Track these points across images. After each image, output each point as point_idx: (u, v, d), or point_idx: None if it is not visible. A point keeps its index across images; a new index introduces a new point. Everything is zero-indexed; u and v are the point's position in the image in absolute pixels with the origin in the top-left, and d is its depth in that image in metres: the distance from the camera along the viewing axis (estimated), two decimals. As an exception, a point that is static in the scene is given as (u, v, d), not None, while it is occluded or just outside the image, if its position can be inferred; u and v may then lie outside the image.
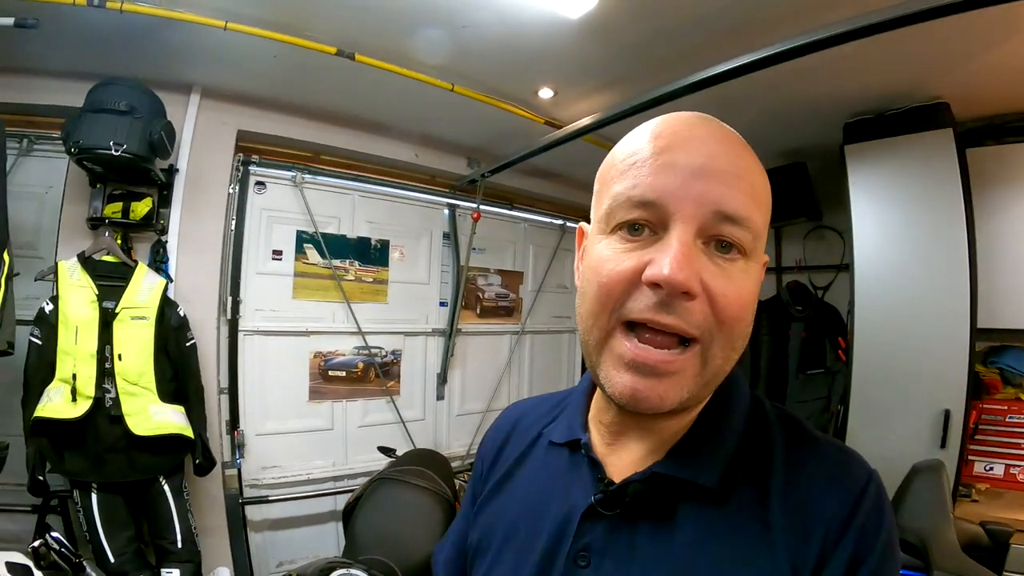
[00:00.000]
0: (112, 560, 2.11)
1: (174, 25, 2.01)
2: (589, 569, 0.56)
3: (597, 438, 0.62)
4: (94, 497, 2.12)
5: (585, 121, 2.34)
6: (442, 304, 3.52)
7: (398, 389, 3.35)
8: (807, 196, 3.17)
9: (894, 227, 2.48)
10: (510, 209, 3.90)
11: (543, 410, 0.73)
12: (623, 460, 0.59)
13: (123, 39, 2.12)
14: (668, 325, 0.50)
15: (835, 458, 0.56)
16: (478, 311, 3.73)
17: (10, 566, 1.41)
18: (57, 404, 2.03)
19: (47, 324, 2.10)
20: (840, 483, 0.53)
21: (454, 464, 3.16)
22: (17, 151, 2.44)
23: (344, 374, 3.14)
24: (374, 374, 3.23)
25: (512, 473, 0.70)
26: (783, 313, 3.25)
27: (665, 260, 0.48)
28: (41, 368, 2.08)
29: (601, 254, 0.53)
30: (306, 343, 3.04)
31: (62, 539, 1.44)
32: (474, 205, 3.33)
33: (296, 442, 3.01)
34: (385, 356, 3.28)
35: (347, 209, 3.19)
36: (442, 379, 3.51)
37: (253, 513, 2.88)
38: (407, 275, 3.38)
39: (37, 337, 2.10)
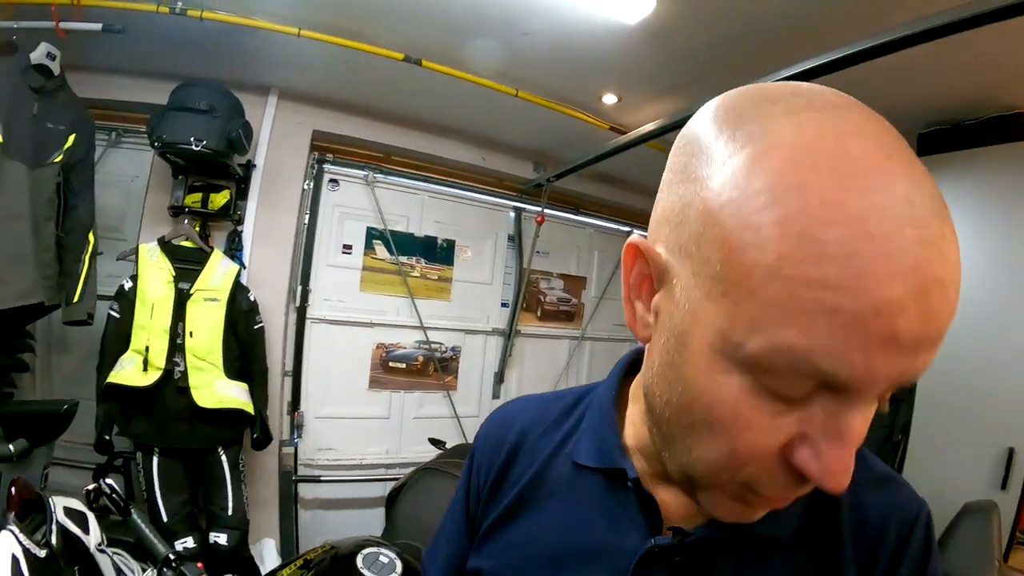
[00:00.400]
0: (165, 520, 2.22)
1: (252, 31, 2.15)
2: None
3: (641, 465, 0.52)
4: (155, 460, 2.27)
5: (649, 127, 2.32)
6: (504, 305, 3.55)
7: (455, 385, 3.41)
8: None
9: (969, 247, 2.26)
10: (575, 214, 3.89)
11: (551, 417, 0.63)
12: (678, 497, 0.50)
13: (204, 43, 2.29)
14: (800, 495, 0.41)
15: (889, 486, 0.51)
16: (539, 314, 3.74)
17: (68, 511, 1.54)
18: (129, 372, 2.18)
19: (126, 300, 2.27)
20: (893, 515, 0.49)
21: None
22: (106, 143, 2.69)
23: (404, 366, 3.24)
24: (433, 368, 3.31)
25: (531, 498, 0.59)
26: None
27: (832, 461, 0.35)
28: (117, 339, 2.25)
29: (724, 396, 0.37)
30: (370, 334, 3.17)
31: (114, 485, 1.56)
32: (539, 209, 3.34)
33: (353, 427, 3.14)
34: (445, 352, 3.35)
35: (416, 208, 3.29)
36: (499, 378, 3.54)
37: (305, 491, 3.03)
38: (471, 274, 3.44)
39: (115, 311, 2.28)
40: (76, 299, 2.15)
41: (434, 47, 2.24)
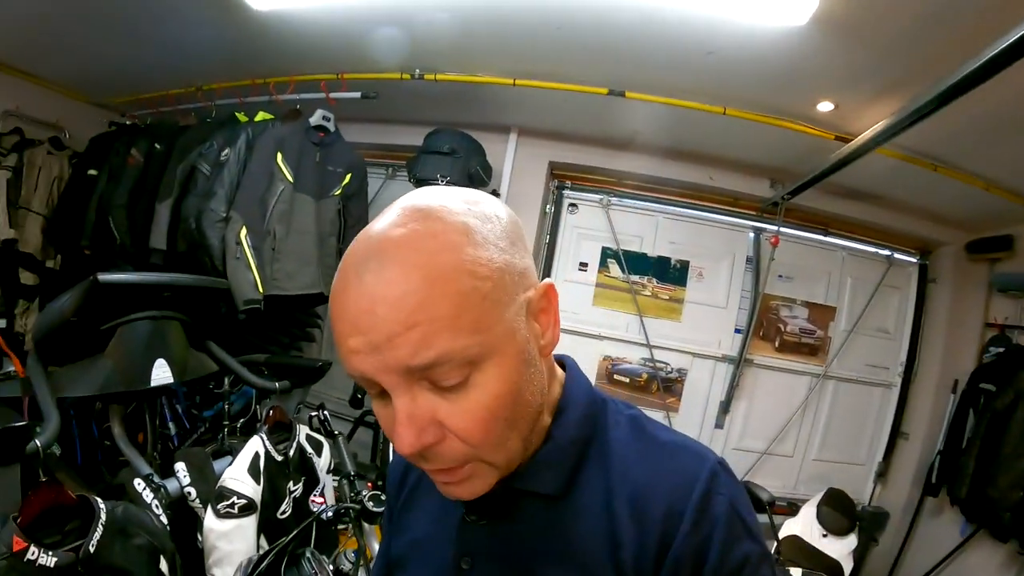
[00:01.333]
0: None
1: (482, 85, 2.58)
2: (473, 571, 0.63)
3: None
4: None
5: (869, 133, 2.07)
6: (737, 331, 3.41)
7: (677, 406, 3.38)
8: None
9: None
10: (824, 235, 3.53)
11: None
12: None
13: (448, 96, 2.80)
14: (433, 470, 0.55)
15: (673, 449, 0.60)
16: (777, 344, 3.49)
17: (308, 437, 2.03)
18: None
19: None
20: (678, 471, 0.57)
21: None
22: (384, 175, 3.45)
23: (628, 380, 3.34)
24: (656, 387, 3.34)
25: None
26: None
27: (396, 434, 0.51)
28: None
29: (377, 411, 0.57)
30: (598, 346, 3.35)
31: (327, 415, 2.06)
32: (782, 229, 3.13)
33: None
34: (670, 372, 3.35)
35: (650, 229, 3.37)
36: (724, 407, 3.40)
37: None
38: (704, 296, 3.39)
39: None
40: None
41: (638, 78, 2.41)
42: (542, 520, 0.60)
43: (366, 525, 1.58)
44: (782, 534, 2.80)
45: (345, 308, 0.51)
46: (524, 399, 0.55)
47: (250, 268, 2.38)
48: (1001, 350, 2.99)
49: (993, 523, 2.83)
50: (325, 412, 2.26)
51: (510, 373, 0.53)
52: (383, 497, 1.54)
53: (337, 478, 2.37)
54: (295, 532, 1.49)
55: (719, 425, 3.43)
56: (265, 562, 1.39)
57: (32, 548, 1.10)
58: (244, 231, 2.40)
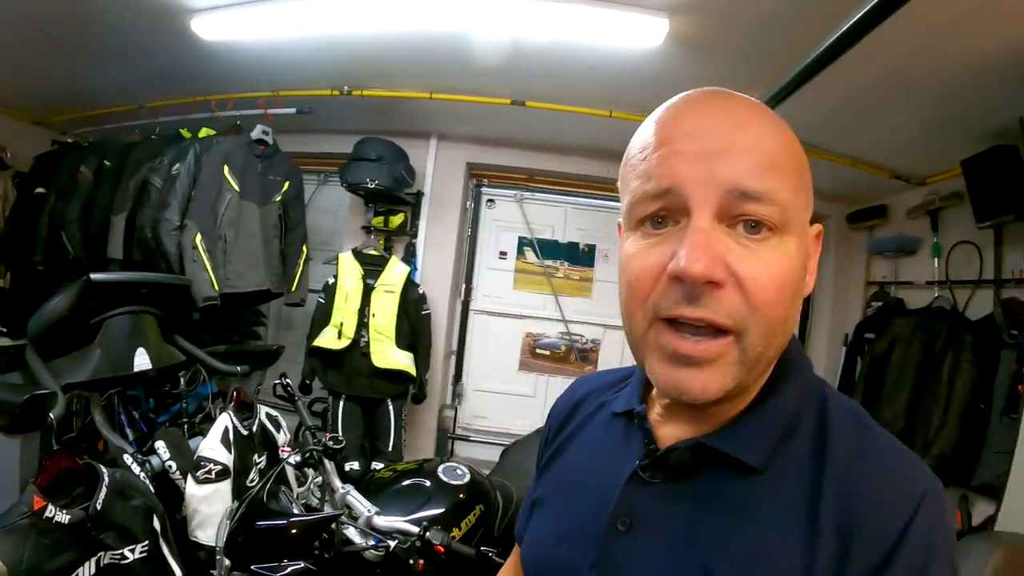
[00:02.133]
0: (344, 444, 2.96)
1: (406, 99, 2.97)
2: (627, 534, 0.56)
3: (654, 412, 0.62)
4: (341, 404, 3.05)
5: None
6: (642, 303, 3.81)
7: None
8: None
9: None
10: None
11: (609, 382, 0.74)
12: (674, 432, 0.59)
13: (374, 109, 3.14)
14: (698, 318, 0.48)
15: (897, 461, 0.52)
16: (676, 314, 3.92)
17: (268, 415, 2.24)
18: (328, 339, 3.01)
19: (329, 291, 3.11)
20: (899, 490, 0.49)
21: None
22: (317, 182, 3.82)
23: (549, 353, 3.72)
24: (574, 357, 3.73)
25: (574, 437, 0.72)
26: (993, 338, 2.63)
27: (683, 252, 0.46)
28: (322, 318, 3.09)
29: (629, 251, 0.53)
30: (520, 324, 3.73)
31: (290, 382, 2.20)
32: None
33: (504, 402, 3.73)
34: (585, 343, 3.74)
35: (560, 218, 3.79)
36: (636, 371, 3.80)
37: (460, 450, 3.73)
38: (611, 275, 3.78)
39: (322, 299, 3.13)
40: (294, 289, 3.09)
41: (536, 90, 2.82)
42: (728, 495, 0.53)
43: (328, 463, 1.80)
44: None
45: (678, 119, 0.51)
46: (792, 312, 0.51)
47: (206, 269, 2.61)
48: (880, 304, 3.37)
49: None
50: (287, 380, 2.46)
51: (798, 262, 0.51)
52: (340, 437, 1.81)
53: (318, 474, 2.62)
54: (269, 475, 1.66)
55: (632, 388, 3.82)
56: (245, 504, 1.55)
57: (50, 507, 1.22)
58: (199, 237, 2.63)
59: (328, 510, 1.72)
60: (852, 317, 3.75)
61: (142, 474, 1.78)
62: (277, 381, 2.29)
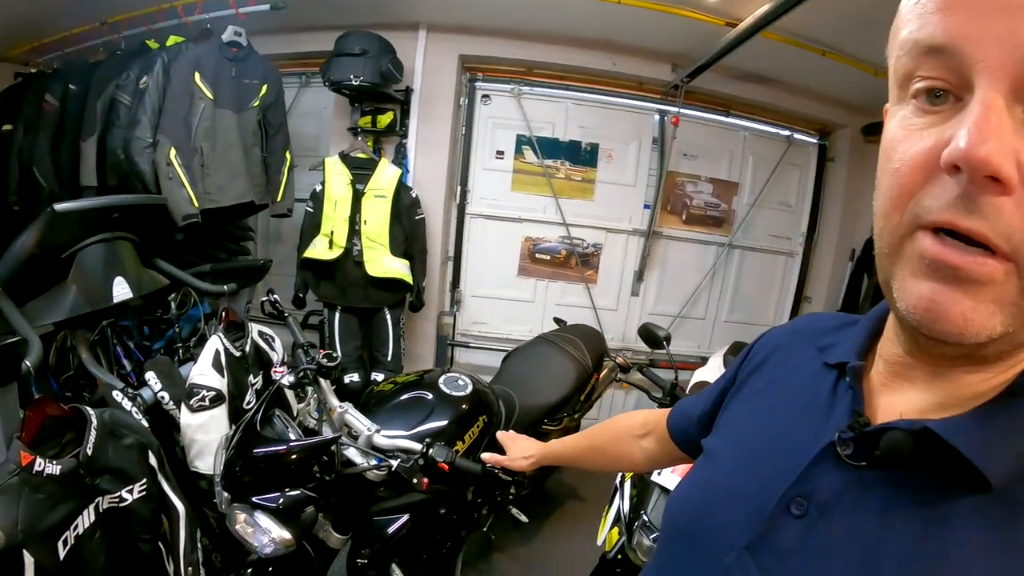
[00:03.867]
0: (340, 359, 2.91)
1: None
2: (800, 521, 0.45)
3: (874, 371, 0.50)
4: (337, 316, 3.00)
5: (751, 19, 2.28)
6: (646, 206, 3.65)
7: (595, 279, 3.64)
8: None
9: None
10: (726, 116, 3.73)
11: (823, 328, 0.61)
12: (895, 403, 0.46)
13: (355, 1, 2.85)
14: (970, 230, 0.36)
15: None
16: (684, 217, 3.76)
17: (260, 333, 2.21)
18: (318, 250, 2.90)
19: (317, 199, 2.96)
20: None
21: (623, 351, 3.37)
22: (299, 84, 3.53)
23: (548, 258, 3.59)
24: (575, 262, 3.59)
25: (765, 391, 0.60)
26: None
27: (963, 131, 0.34)
28: (311, 227, 2.96)
29: (893, 133, 0.41)
30: (519, 228, 3.58)
31: (277, 298, 2.17)
32: (683, 111, 3.37)
33: (503, 307, 3.66)
34: (586, 247, 3.59)
35: (561, 115, 3.54)
36: (638, 276, 3.69)
37: (461, 356, 3.69)
38: (614, 176, 3.61)
39: (310, 207, 2.99)
40: (279, 199, 2.96)
41: None
42: (945, 513, 0.39)
43: (323, 382, 1.70)
44: (693, 381, 3.12)
45: None
46: None
47: (184, 186, 2.48)
48: None
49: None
50: (275, 296, 2.38)
51: None
52: (335, 354, 1.71)
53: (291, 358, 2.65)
54: (263, 398, 1.61)
55: (635, 293, 3.72)
56: (240, 430, 1.50)
57: (38, 460, 1.16)
58: (173, 152, 2.48)
59: (327, 431, 1.65)
60: (860, 231, 3.63)
61: (134, 409, 1.71)
62: (265, 298, 2.25)
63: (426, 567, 1.97)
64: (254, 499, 1.43)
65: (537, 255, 3.59)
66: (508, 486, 2.29)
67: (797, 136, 3.83)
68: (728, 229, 3.87)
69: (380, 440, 1.55)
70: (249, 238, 3.32)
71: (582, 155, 3.56)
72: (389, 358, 3.04)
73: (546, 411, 2.43)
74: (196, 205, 2.51)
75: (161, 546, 1.45)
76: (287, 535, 1.42)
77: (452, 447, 1.53)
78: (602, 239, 3.63)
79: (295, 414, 1.84)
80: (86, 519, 1.29)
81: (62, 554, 1.20)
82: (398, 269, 2.96)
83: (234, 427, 1.55)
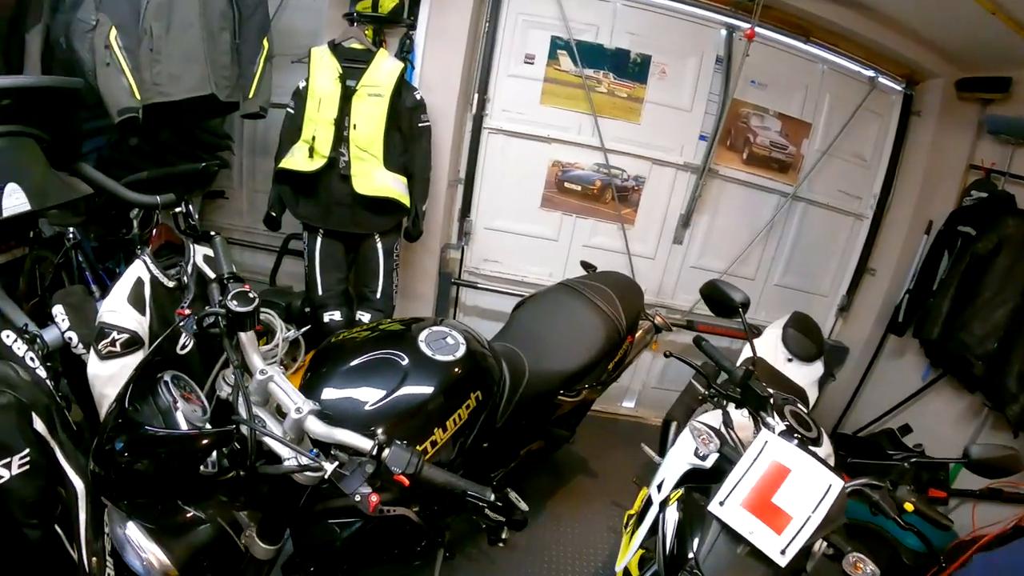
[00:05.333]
0: (320, 293, 2.52)
1: None
2: None
3: None
4: (318, 241, 2.54)
5: None
6: (702, 137, 3.03)
7: (633, 219, 3.04)
8: None
9: None
10: (805, 42, 3.06)
11: None
12: None
13: None
14: None
15: None
16: (745, 156, 3.12)
17: (207, 258, 1.85)
18: (297, 159, 2.41)
19: (300, 98, 2.45)
20: None
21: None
22: None
23: (579, 188, 3.01)
24: (610, 196, 3.00)
25: None
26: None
27: None
28: (291, 132, 2.47)
29: None
30: (547, 150, 2.99)
31: (192, 210, 1.89)
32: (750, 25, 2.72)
33: (520, 244, 3.11)
34: (626, 180, 2.99)
35: (607, 17, 2.91)
36: (684, 221, 3.07)
37: (468, 297, 3.19)
38: (667, 97, 2.98)
39: (291, 108, 2.49)
40: (251, 95, 2.42)
41: None
42: None
43: (243, 336, 1.21)
44: (744, 356, 2.52)
45: None
46: None
47: (123, 72, 2.08)
48: (984, 195, 2.83)
49: (961, 371, 2.70)
50: (190, 206, 1.95)
51: None
52: (252, 295, 1.19)
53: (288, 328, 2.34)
54: (144, 357, 1.26)
55: (678, 240, 3.13)
56: (124, 401, 1.11)
57: None
58: (114, 33, 2.08)
59: (243, 411, 1.12)
60: (943, 203, 3.08)
61: (29, 354, 1.40)
62: (178, 210, 1.88)
63: (394, 566, 1.57)
64: (124, 503, 1.08)
65: (566, 184, 3.00)
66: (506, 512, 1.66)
67: (881, 80, 3.18)
68: (793, 176, 3.23)
69: (313, 426, 1.09)
70: (226, 147, 2.89)
71: (630, 68, 2.92)
72: (378, 295, 2.58)
73: (564, 379, 1.90)
74: (138, 97, 2.11)
75: (60, 531, 1.18)
76: (166, 560, 1.07)
77: (424, 439, 1.25)
78: (645, 171, 3.01)
79: (217, 373, 1.41)
80: None
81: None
82: (392, 187, 2.44)
83: (118, 392, 1.16)
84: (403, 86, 2.46)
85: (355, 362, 1.35)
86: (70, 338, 1.61)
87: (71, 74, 2.13)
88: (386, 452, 1.01)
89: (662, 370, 3.36)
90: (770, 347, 2.54)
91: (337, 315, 2.50)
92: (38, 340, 1.53)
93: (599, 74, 2.90)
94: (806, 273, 3.40)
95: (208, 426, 1.16)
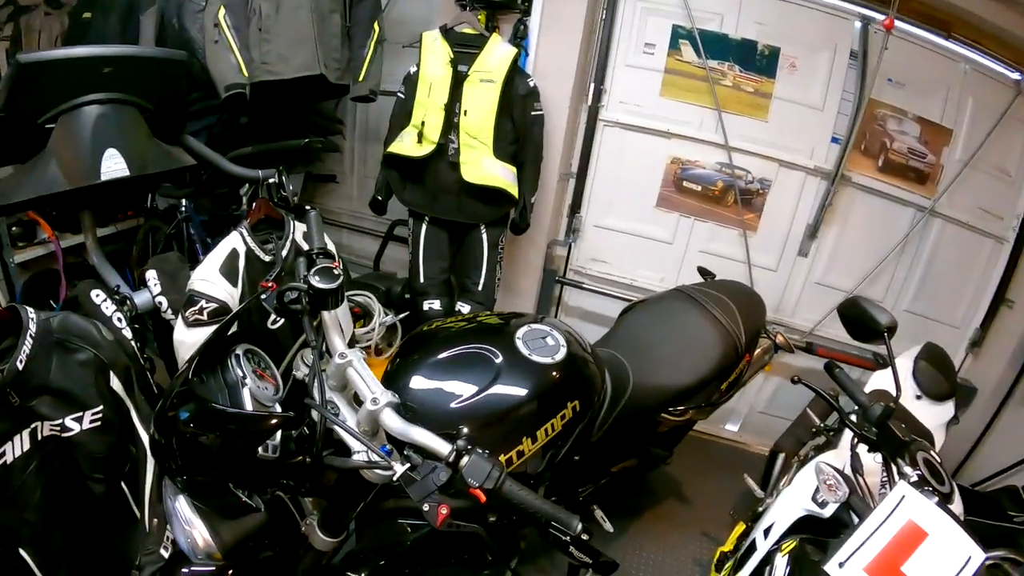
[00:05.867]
0: (421, 281, 2.51)
1: None
2: None
3: None
4: (423, 228, 2.52)
5: None
6: (835, 140, 2.73)
7: (756, 225, 2.76)
8: None
9: None
10: (945, 39, 2.75)
11: None
12: None
13: None
14: None
15: None
16: (880, 163, 2.82)
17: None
18: (405, 144, 2.37)
19: (410, 83, 2.41)
20: None
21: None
22: None
23: (699, 188, 2.76)
24: (732, 199, 2.74)
25: None
26: None
27: None
28: (401, 117, 2.43)
29: None
30: (665, 145, 2.76)
31: (285, 181, 1.89)
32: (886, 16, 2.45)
33: (631, 245, 2.90)
34: (750, 182, 2.73)
35: (732, 5, 2.68)
36: (811, 232, 2.76)
37: (572, 297, 3.05)
38: (797, 94, 2.72)
39: (402, 93, 2.46)
40: (361, 78, 2.47)
41: None
42: None
43: (325, 316, 1.13)
44: (868, 388, 2.19)
45: None
46: None
47: (231, 50, 2.14)
48: None
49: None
50: (283, 178, 1.93)
51: None
52: (337, 271, 1.11)
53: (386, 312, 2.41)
54: (218, 326, 1.14)
55: (803, 252, 2.82)
56: (190, 369, 1.04)
57: None
58: (222, 12, 2.14)
59: (317, 395, 1.06)
60: None
61: (116, 315, 1.47)
62: (271, 180, 1.90)
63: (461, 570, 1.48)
64: (182, 476, 1.00)
65: (685, 183, 2.76)
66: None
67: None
68: (931, 189, 2.87)
69: (388, 420, 1.01)
70: (337, 131, 2.95)
71: (757, 60, 2.68)
72: (480, 287, 2.51)
73: (671, 396, 1.73)
74: (245, 74, 2.16)
75: (126, 489, 1.21)
76: (211, 542, 1.04)
77: (510, 449, 1.18)
78: (772, 173, 2.73)
79: (296, 352, 1.25)
80: (17, 446, 1.12)
81: (-22, 483, 1.06)
82: (501, 176, 2.36)
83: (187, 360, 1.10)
84: (516, 73, 2.37)
85: (445, 354, 1.27)
86: (160, 303, 1.66)
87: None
88: (464, 460, 0.91)
89: (773, 394, 3.02)
90: (901, 379, 2.21)
91: (437, 304, 2.47)
92: (128, 302, 1.61)
93: (724, 66, 2.66)
94: (937, 299, 3.01)
95: (277, 407, 1.10)
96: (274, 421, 0.96)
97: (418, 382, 1.20)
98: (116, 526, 1.25)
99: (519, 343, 1.32)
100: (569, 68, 2.61)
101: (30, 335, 1.11)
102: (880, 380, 2.17)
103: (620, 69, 2.73)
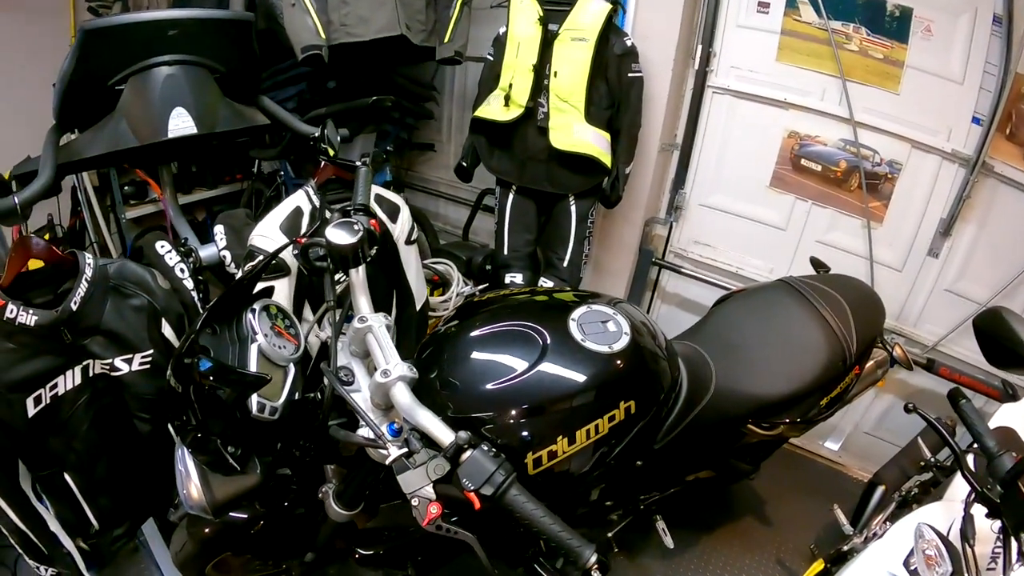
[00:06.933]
0: (505, 252, 2.44)
1: None
2: None
3: None
4: (510, 197, 2.43)
5: None
6: (976, 120, 2.34)
7: (882, 215, 2.39)
8: None
9: None
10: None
11: None
12: None
13: None
14: None
15: None
16: (1027, 151, 2.39)
17: (380, 198, 1.78)
18: (492, 108, 2.27)
19: (499, 44, 2.31)
20: None
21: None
22: None
23: (819, 168, 2.40)
24: (856, 183, 2.37)
25: None
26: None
27: None
28: (490, 80, 2.34)
29: None
30: (782, 116, 2.41)
31: (331, 132, 1.90)
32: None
33: (740, 229, 2.60)
34: (878, 164, 2.36)
35: None
36: (945, 228, 2.37)
37: (669, 282, 2.83)
38: (933, 63, 2.33)
39: (491, 55, 2.37)
40: (447, 39, 2.40)
41: None
42: None
43: (352, 275, 1.09)
44: (994, 423, 1.79)
45: None
46: None
47: (308, 12, 2.12)
48: None
49: None
50: (326, 131, 1.92)
51: None
52: (357, 227, 1.05)
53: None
54: (241, 276, 1.18)
55: (934, 252, 2.42)
56: (207, 318, 0.98)
57: (10, 306, 1.06)
58: None
59: (343, 355, 1.08)
60: None
61: (180, 265, 1.55)
62: (316, 133, 1.91)
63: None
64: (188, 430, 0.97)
65: (803, 161, 2.39)
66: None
67: None
68: (1084, 185, 2.47)
69: (399, 395, 0.92)
70: (431, 98, 3.01)
71: (886, 22, 2.32)
72: (565, 263, 2.38)
73: (759, 407, 1.50)
74: (323, 36, 2.14)
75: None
76: (202, 499, 1.02)
77: (540, 447, 1.04)
78: (903, 155, 2.35)
79: (324, 312, 1.21)
80: (69, 380, 1.21)
81: (32, 411, 1.14)
82: (592, 143, 2.18)
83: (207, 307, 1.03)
84: (611, 31, 2.19)
85: (487, 329, 1.20)
86: (224, 256, 1.74)
87: (271, 21, 2.28)
88: (465, 456, 0.85)
89: (883, 413, 2.62)
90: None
91: (519, 278, 2.38)
92: (193, 254, 1.69)
93: (848, 28, 2.31)
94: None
95: (291, 366, 1.04)
96: (235, 379, 0.91)
97: (452, 357, 1.16)
98: (159, 464, 1.30)
99: (572, 324, 1.18)
100: (672, 28, 2.34)
101: (86, 279, 1.18)
102: (1008, 416, 1.73)
103: (731, 30, 2.42)
